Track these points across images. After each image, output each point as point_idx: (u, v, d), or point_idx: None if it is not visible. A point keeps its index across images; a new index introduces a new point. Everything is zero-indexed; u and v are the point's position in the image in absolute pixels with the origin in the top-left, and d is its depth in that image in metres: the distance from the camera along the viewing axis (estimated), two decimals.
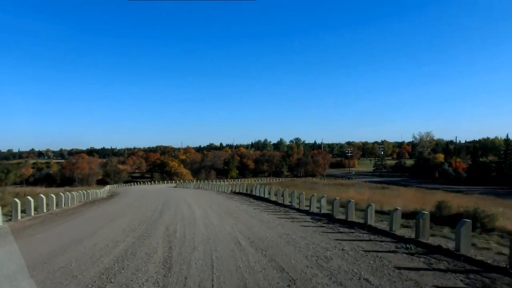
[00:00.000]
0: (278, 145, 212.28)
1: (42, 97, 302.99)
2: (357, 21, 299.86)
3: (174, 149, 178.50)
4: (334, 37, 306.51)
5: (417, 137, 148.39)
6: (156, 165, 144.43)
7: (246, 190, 38.84)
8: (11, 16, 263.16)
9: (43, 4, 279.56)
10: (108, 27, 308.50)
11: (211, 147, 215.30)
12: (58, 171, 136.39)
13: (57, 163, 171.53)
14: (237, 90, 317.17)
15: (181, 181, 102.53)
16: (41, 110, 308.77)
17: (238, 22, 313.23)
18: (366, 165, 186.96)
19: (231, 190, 45.35)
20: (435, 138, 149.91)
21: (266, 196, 29.55)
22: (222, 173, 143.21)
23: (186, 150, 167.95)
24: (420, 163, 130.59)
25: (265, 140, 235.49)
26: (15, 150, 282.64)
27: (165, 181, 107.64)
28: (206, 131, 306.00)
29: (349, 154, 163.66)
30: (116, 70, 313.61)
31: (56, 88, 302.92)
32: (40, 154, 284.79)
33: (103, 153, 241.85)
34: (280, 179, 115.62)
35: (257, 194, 32.17)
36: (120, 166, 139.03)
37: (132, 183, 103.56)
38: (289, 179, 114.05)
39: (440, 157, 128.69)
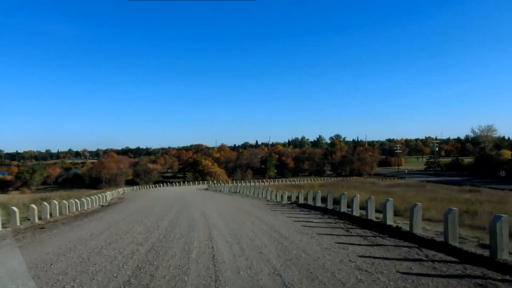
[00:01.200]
0: (317, 143, 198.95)
1: (80, 98, 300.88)
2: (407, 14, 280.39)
3: (208, 148, 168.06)
4: (373, 35, 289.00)
5: (477, 131, 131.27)
6: (189, 164, 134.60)
7: (314, 199, 23.48)
8: (38, 19, 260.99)
9: (75, 8, 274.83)
10: (138, 29, 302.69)
11: (246, 146, 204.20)
12: (86, 171, 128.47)
13: (92, 163, 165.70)
14: (269, 88, 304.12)
15: (214, 181, 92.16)
16: (78, 111, 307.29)
17: (281, 19, 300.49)
18: (413, 163, 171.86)
19: (289, 199, 29.33)
20: (496, 133, 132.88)
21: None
22: (259, 172, 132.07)
23: (221, 148, 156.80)
24: (482, 160, 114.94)
25: (303, 137, 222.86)
26: (54, 150, 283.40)
27: (197, 182, 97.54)
28: (241, 130, 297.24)
29: (398, 151, 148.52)
30: (151, 71, 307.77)
31: (94, 89, 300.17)
32: (77, 154, 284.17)
33: (137, 153, 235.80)
34: (325, 179, 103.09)
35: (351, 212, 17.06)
36: (151, 166, 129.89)
37: (161, 184, 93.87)
38: (338, 179, 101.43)
39: (507, 153, 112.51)
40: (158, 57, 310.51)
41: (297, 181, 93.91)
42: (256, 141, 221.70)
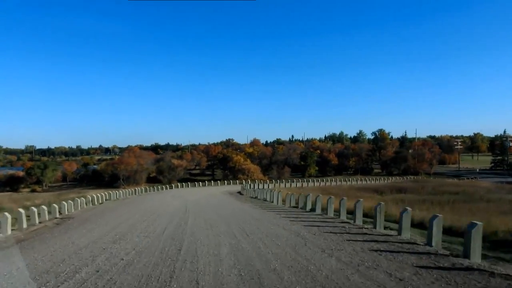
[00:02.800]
0: (358, 138, 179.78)
1: (112, 94, 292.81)
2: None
3: (239, 145, 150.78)
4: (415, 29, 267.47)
5: None
6: (218, 160, 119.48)
7: None
8: (69, 16, 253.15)
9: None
10: (172, 28, 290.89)
11: (279, 142, 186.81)
12: (105, 167, 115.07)
13: (111, 159, 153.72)
14: (301, 84, 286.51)
15: (249, 180, 76.56)
16: (110, 107, 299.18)
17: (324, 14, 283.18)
18: (468, 161, 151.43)
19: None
20: None
21: None
22: (297, 169, 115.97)
23: (253, 143, 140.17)
24: None
25: (341, 133, 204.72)
26: (84, 147, 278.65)
27: (228, 181, 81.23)
28: (272, 126, 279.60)
29: (458, 146, 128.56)
30: (182, 67, 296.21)
31: (125, 85, 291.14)
32: (107, 150, 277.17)
33: (167, 149, 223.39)
34: (383, 179, 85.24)
35: None
36: (175, 161, 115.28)
37: (184, 184, 79.04)
38: (403, 179, 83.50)
39: None
40: (188, 55, 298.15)
41: (350, 181, 77.08)
42: (292, 136, 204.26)
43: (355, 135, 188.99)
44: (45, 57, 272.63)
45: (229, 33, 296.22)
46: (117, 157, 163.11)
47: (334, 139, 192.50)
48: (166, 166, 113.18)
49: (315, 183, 69.40)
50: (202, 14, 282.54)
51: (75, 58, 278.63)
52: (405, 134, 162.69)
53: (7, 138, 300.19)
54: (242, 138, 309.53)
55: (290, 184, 61.98)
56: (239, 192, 48.59)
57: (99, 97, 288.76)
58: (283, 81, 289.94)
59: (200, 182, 61.58)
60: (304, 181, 73.55)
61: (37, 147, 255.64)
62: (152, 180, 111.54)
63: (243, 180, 79.33)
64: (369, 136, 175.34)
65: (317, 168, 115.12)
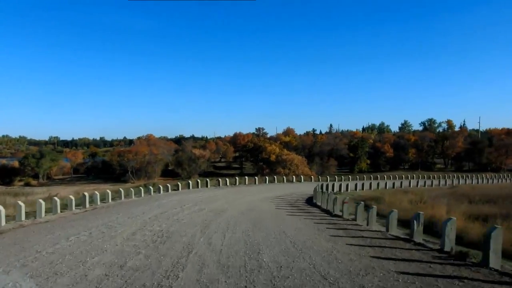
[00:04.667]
0: (403, 130, 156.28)
1: (137, 86, 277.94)
2: None
3: (269, 138, 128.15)
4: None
5: None
6: (247, 150, 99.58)
7: None
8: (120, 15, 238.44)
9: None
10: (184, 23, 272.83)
11: (314, 134, 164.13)
12: (110, 156, 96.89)
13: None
14: (335, 74, 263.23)
15: (293, 176, 56.32)
16: (135, 99, 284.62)
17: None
18: None
19: None
20: None
21: None
22: (343, 162, 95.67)
23: (287, 132, 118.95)
24: None
25: (382, 123, 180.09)
26: (108, 138, 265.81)
27: (263, 176, 59.82)
28: (301, 120, 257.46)
29: None
30: (210, 59, 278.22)
31: (150, 78, 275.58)
32: (130, 142, 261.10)
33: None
34: (475, 177, 62.95)
35: None
36: (197, 152, 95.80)
37: (209, 181, 60.12)
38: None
39: None
40: (212, 48, 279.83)
41: (434, 179, 56.01)
42: (330, 126, 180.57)
43: (400, 126, 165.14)
44: (72, 49, 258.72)
45: (259, 26, 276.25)
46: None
47: (373, 130, 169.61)
48: (186, 157, 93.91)
49: (386, 182, 48.92)
50: (226, 9, 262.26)
51: (100, 51, 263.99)
52: (464, 124, 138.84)
53: (32, 129, 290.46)
54: (271, 129, 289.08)
55: (356, 185, 39.91)
56: (312, 204, 25.49)
57: (124, 89, 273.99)
58: (312, 73, 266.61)
59: (227, 179, 40.61)
60: (366, 178, 53.03)
61: (61, 139, 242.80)
62: (169, 174, 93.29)
63: (283, 176, 59.28)
64: (417, 127, 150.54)
65: (368, 161, 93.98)
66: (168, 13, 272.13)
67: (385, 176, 58.70)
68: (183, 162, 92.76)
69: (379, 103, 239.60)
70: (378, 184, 41.50)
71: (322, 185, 31.03)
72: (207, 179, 40.34)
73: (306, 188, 37.09)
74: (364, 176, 58.40)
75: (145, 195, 29.66)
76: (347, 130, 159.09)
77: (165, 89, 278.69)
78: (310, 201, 26.83)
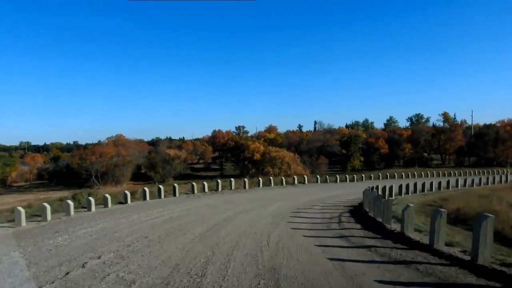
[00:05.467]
0: (388, 126, 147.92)
1: (109, 90, 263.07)
2: None
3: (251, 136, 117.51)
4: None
5: None
6: (228, 149, 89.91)
7: None
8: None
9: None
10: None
11: (301, 130, 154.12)
12: (70, 159, 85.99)
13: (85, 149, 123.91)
14: (311, 74, 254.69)
15: (290, 176, 46.86)
16: (111, 103, 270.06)
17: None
18: None
19: None
20: None
21: None
22: (333, 160, 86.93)
23: (270, 129, 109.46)
24: None
25: (366, 120, 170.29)
26: (82, 142, 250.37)
27: (252, 178, 48.31)
28: (283, 117, 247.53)
29: None
30: (185, 59, 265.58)
31: (129, 80, 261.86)
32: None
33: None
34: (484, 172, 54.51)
35: None
36: (172, 152, 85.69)
37: (177, 186, 49.95)
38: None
39: None
40: (189, 49, 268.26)
41: (445, 175, 47.22)
42: (315, 122, 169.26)
43: (385, 122, 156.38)
44: (45, 52, 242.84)
45: (236, 26, 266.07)
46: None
47: (359, 128, 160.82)
48: (160, 158, 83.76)
49: (432, 181, 40.21)
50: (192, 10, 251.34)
51: (75, 53, 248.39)
52: (454, 119, 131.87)
53: (1, 134, 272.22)
54: (251, 129, 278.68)
55: (402, 186, 28.75)
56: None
57: (98, 93, 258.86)
58: (291, 72, 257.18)
59: (205, 183, 30.18)
60: (364, 177, 44.14)
61: (33, 143, 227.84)
62: (141, 177, 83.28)
63: (271, 176, 49.84)
64: (404, 123, 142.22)
65: (362, 158, 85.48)
66: (138, 14, 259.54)
67: (406, 174, 48.61)
68: (156, 164, 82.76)
69: (362, 100, 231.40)
70: (431, 184, 30.35)
71: (372, 189, 21.66)
72: (175, 184, 27.80)
73: (320, 192, 28.32)
74: (385, 174, 49.07)
75: (55, 218, 17.88)
76: (330, 127, 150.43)
77: (142, 91, 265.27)
78: (367, 222, 15.33)
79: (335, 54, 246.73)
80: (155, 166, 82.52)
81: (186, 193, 27.64)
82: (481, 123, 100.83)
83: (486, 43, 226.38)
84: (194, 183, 28.57)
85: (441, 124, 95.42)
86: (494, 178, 38.54)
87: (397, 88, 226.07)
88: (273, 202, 22.02)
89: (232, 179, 31.82)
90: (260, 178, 34.11)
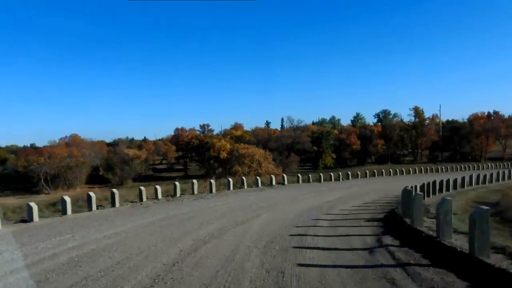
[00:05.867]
0: (355, 124, 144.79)
1: (69, 90, 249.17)
2: None
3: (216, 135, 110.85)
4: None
5: None
6: (192, 148, 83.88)
7: None
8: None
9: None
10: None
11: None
12: (15, 161, 78.04)
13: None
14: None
15: (258, 178, 41.64)
16: (69, 102, 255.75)
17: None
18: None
19: None
20: None
21: None
22: (306, 158, 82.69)
23: (235, 127, 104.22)
24: None
25: (333, 117, 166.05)
26: (39, 144, 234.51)
27: (220, 179, 41.36)
28: (247, 115, 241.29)
29: None
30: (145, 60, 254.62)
31: (84, 80, 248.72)
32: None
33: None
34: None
35: None
36: (131, 152, 79.00)
37: (117, 193, 43.82)
38: None
39: None
40: (148, 49, 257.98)
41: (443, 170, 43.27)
42: (282, 120, 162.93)
43: (352, 119, 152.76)
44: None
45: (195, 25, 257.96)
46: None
47: (325, 125, 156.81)
48: (118, 159, 76.92)
49: (391, 178, 35.82)
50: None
51: (33, 52, 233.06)
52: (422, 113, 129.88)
53: None
54: (216, 128, 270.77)
55: (436, 183, 23.17)
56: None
57: (59, 93, 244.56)
58: (254, 70, 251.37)
59: (158, 188, 24.48)
60: (348, 176, 39.07)
61: None
62: (98, 180, 76.25)
63: (242, 176, 44.74)
64: (372, 120, 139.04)
65: (334, 155, 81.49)
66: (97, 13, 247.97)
67: (394, 171, 43.88)
68: (115, 165, 76.00)
69: (328, 97, 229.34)
70: (449, 182, 25.14)
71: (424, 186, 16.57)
72: (114, 190, 19.12)
73: (312, 196, 22.42)
74: (382, 170, 44.06)
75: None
76: (300, 122, 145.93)
77: (103, 91, 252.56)
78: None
79: (302, 52, 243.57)
80: (113, 168, 75.86)
81: (133, 202, 20.60)
82: (448, 119, 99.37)
83: (449, 41, 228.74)
84: (142, 188, 21.42)
85: (412, 119, 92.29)
86: (504, 173, 34.23)
87: (363, 85, 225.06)
88: (254, 214, 15.31)
89: (195, 181, 25.01)
90: (230, 179, 27.35)
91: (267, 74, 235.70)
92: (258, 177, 29.86)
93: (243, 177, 28.99)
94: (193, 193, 23.48)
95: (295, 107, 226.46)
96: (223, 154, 64.64)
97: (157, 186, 21.96)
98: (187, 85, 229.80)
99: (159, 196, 21.56)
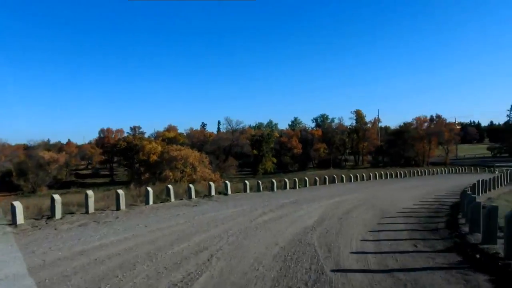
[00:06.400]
0: (293, 127, 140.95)
1: None
2: None
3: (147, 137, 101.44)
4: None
5: None
6: (119, 151, 75.82)
7: None
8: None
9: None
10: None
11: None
12: None
13: None
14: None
15: (189, 185, 35.10)
16: None
17: None
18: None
19: None
20: None
21: None
22: (244, 162, 77.45)
23: (169, 129, 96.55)
24: None
25: (270, 122, 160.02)
26: None
27: (153, 185, 33.36)
28: (181, 118, 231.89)
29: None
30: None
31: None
32: None
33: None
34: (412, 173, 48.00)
35: None
36: (46, 155, 69.54)
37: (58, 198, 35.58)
38: None
39: None
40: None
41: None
42: (218, 123, 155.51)
43: (290, 123, 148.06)
44: None
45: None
46: None
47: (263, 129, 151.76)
48: (33, 163, 67.32)
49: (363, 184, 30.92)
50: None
51: None
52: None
53: None
54: (149, 130, 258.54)
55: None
56: None
57: None
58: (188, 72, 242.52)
59: (58, 198, 17.92)
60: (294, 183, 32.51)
61: None
62: (7, 187, 66.08)
63: (172, 181, 38.50)
64: (310, 124, 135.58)
65: (275, 160, 76.81)
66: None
67: (355, 176, 38.53)
68: (28, 170, 66.37)
69: (265, 102, 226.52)
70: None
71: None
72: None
73: (284, 219, 13.29)
74: (349, 175, 38.04)
75: None
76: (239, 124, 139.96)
77: (30, 92, 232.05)
78: None
79: (240, 56, 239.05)
80: (26, 173, 66.21)
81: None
82: (388, 125, 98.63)
83: (383, 47, 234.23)
84: (15, 204, 12.77)
85: (354, 122, 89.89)
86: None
87: (300, 90, 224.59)
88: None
89: (90, 192, 15.08)
90: (149, 189, 18.36)
91: (203, 77, 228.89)
92: (191, 185, 21.55)
93: (169, 186, 20.65)
94: (87, 211, 14.50)
95: (233, 112, 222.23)
96: (153, 158, 57.44)
97: (16, 203, 12.39)
98: (118, 86, 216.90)
99: (20, 220, 12.05)
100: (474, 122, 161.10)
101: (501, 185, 29.84)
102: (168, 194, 19.50)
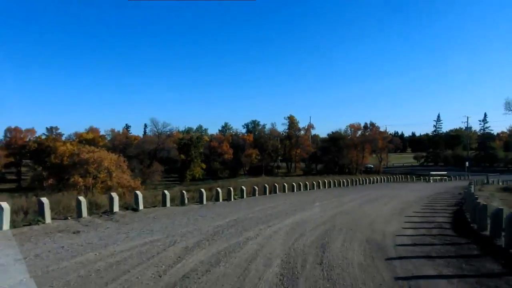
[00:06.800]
0: (224, 133, 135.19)
1: None
2: None
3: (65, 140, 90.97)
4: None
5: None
6: (29, 153, 67.08)
7: None
8: None
9: None
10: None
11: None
12: None
13: None
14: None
15: (112, 189, 29.35)
16: None
17: None
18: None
19: None
20: None
21: None
22: (171, 169, 71.80)
23: (91, 130, 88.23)
24: None
25: (200, 126, 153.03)
26: None
27: (59, 192, 28.86)
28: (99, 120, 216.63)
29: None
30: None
31: None
32: None
33: None
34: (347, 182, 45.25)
35: None
36: None
37: None
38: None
39: None
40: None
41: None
42: (145, 125, 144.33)
43: (220, 129, 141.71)
44: None
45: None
46: None
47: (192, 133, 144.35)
48: None
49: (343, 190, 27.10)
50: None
51: None
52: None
53: None
54: (68, 131, 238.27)
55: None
56: None
57: None
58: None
59: None
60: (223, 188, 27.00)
61: None
62: None
63: (82, 188, 32.80)
64: (241, 130, 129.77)
65: (204, 166, 71.90)
66: None
67: (319, 183, 34.37)
68: None
69: (195, 106, 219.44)
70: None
71: None
72: None
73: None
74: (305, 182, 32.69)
75: None
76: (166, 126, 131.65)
77: None
78: None
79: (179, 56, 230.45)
80: None
81: None
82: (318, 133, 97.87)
83: (318, 54, 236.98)
84: None
85: (287, 128, 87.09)
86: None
87: (231, 96, 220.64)
88: None
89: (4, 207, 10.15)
90: (44, 200, 11.66)
91: (137, 78, 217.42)
92: (81, 198, 13.08)
93: (80, 198, 13.16)
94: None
95: (161, 115, 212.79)
96: (66, 160, 50.23)
97: None
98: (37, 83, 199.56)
99: None
100: (397, 132, 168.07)
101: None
102: (80, 208, 13.21)
